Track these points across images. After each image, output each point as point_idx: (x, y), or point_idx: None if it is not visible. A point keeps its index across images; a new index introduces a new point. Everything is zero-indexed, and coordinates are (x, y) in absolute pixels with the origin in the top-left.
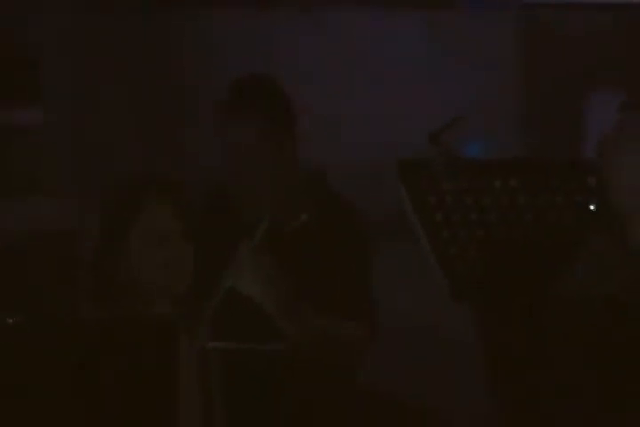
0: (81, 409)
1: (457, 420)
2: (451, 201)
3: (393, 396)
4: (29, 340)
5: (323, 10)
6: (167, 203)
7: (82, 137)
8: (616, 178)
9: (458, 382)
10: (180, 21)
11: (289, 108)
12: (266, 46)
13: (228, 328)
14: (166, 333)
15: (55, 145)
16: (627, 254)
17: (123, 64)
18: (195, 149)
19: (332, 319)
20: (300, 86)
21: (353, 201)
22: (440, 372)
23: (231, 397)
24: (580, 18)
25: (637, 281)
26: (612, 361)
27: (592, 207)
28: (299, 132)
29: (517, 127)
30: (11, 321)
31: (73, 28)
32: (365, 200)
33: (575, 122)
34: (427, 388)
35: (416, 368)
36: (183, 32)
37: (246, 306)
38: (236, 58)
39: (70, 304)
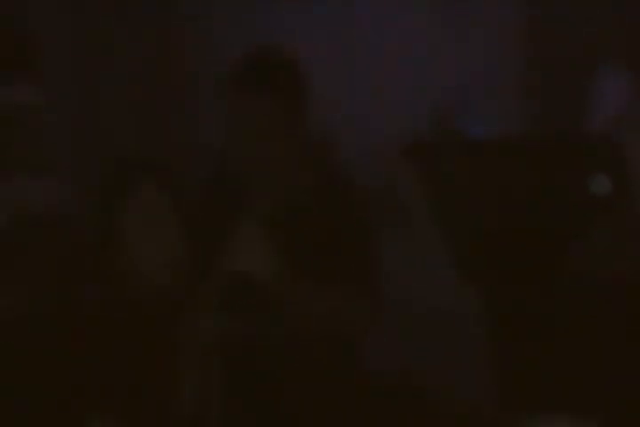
0: (83, 391)
1: (459, 402)
2: (455, 181)
3: (394, 378)
4: (31, 322)
5: (326, 3)
6: (162, 188)
7: (82, 118)
8: (633, 151)
9: (460, 364)
10: (180, 6)
11: (299, 81)
12: (267, 27)
13: (230, 312)
14: (168, 316)
15: (55, 124)
16: (634, 233)
17: (122, 44)
18: (193, 130)
19: (334, 294)
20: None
21: (354, 177)
22: (443, 353)
23: (232, 381)
24: None
25: None
26: (617, 340)
27: (599, 185)
28: (308, 106)
29: (522, 107)
30: (13, 303)
31: (74, 9)
32: (368, 180)
33: (581, 100)
34: (428, 369)
35: (419, 350)
36: (183, 16)
37: (248, 288)
38: (237, 37)
39: (71, 287)
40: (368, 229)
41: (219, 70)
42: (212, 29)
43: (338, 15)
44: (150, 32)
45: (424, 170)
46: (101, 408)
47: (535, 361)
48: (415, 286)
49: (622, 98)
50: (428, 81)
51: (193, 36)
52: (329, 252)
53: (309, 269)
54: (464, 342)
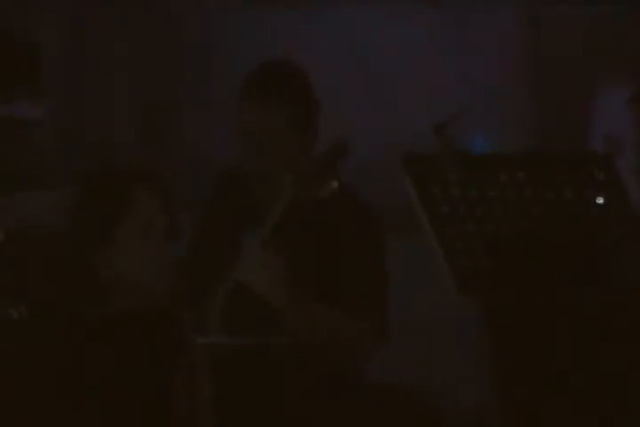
0: (77, 401)
1: (459, 413)
2: (456, 194)
3: (394, 390)
4: (31, 333)
5: (326, 8)
6: (155, 198)
7: (81, 130)
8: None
9: (461, 376)
10: (180, 15)
11: (311, 94)
12: (265, 43)
13: (231, 322)
14: (167, 328)
15: (55, 139)
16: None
17: (122, 57)
18: (194, 142)
19: (339, 316)
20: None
21: (363, 194)
22: (444, 365)
23: (229, 393)
24: (586, 11)
25: None
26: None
27: (599, 201)
28: (319, 118)
29: (524, 120)
30: (15, 314)
31: (73, 22)
32: (370, 193)
33: (583, 115)
34: (429, 381)
35: (420, 362)
36: (184, 26)
37: (251, 300)
38: (236, 54)
39: (69, 299)
40: (381, 248)
41: (219, 82)
42: (214, 42)
43: (339, 29)
44: (149, 44)
45: (422, 181)
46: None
47: (539, 374)
48: (415, 295)
49: (622, 116)
50: (429, 94)
51: (194, 48)
52: (335, 268)
53: (314, 285)
54: (464, 352)
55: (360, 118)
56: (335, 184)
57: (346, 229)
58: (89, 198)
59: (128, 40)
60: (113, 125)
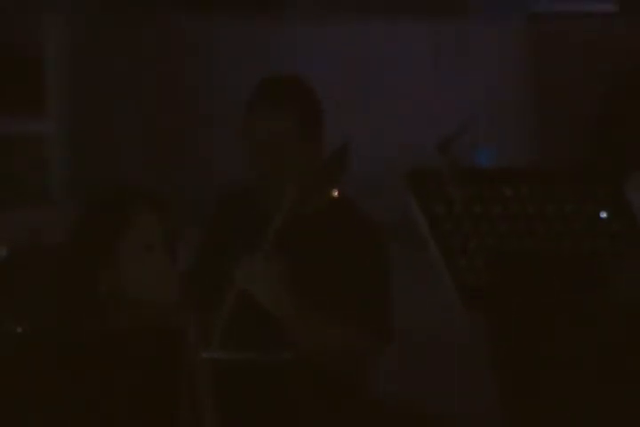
0: (81, 417)
1: (459, 414)
2: (460, 210)
3: (396, 404)
4: (34, 349)
5: (332, 19)
6: (154, 215)
7: (83, 146)
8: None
9: (462, 389)
10: (182, 27)
11: (317, 106)
12: (269, 54)
13: (234, 337)
14: (170, 343)
15: (57, 154)
16: None
17: (125, 74)
18: (196, 157)
19: (341, 325)
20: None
21: (365, 204)
22: (445, 378)
23: (232, 407)
24: (591, 25)
25: None
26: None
27: (602, 215)
28: (323, 127)
29: (528, 136)
30: (20, 330)
31: (75, 38)
32: (372, 202)
33: (587, 130)
34: (430, 394)
35: (420, 374)
36: (186, 38)
37: (253, 314)
38: (239, 65)
39: (70, 315)
40: (379, 254)
41: (219, 80)
42: (214, 36)
43: (345, 25)
44: (150, 54)
45: (425, 197)
46: None
47: (538, 388)
48: (416, 312)
49: None
50: (434, 109)
51: (195, 42)
52: (336, 277)
53: (316, 294)
54: (467, 370)
55: (360, 127)
56: (336, 191)
57: (346, 238)
58: (90, 215)
59: (128, 40)
60: (115, 142)
